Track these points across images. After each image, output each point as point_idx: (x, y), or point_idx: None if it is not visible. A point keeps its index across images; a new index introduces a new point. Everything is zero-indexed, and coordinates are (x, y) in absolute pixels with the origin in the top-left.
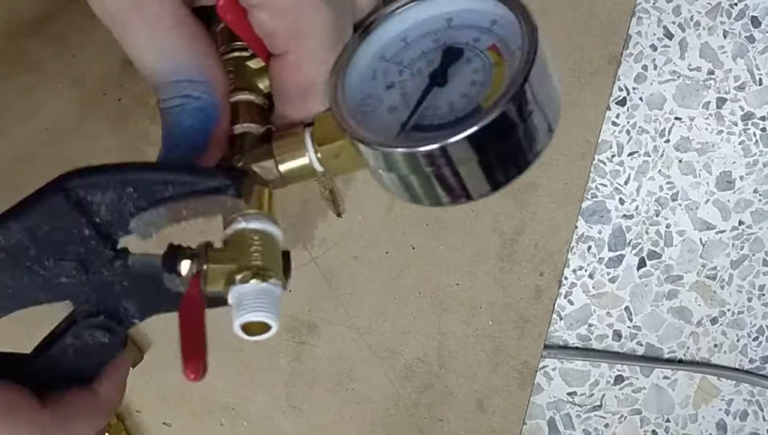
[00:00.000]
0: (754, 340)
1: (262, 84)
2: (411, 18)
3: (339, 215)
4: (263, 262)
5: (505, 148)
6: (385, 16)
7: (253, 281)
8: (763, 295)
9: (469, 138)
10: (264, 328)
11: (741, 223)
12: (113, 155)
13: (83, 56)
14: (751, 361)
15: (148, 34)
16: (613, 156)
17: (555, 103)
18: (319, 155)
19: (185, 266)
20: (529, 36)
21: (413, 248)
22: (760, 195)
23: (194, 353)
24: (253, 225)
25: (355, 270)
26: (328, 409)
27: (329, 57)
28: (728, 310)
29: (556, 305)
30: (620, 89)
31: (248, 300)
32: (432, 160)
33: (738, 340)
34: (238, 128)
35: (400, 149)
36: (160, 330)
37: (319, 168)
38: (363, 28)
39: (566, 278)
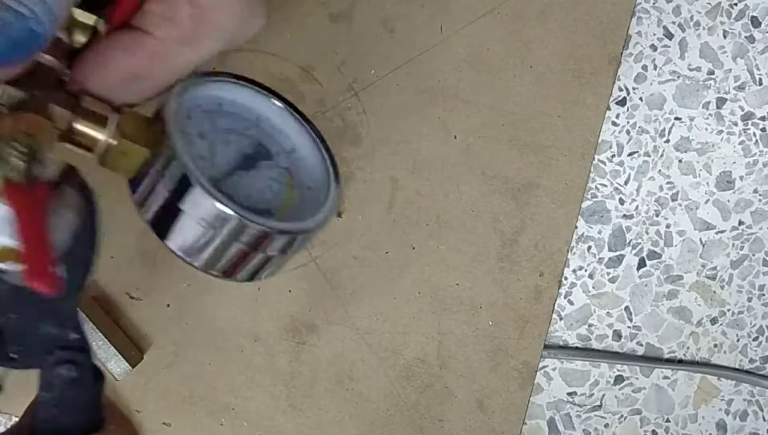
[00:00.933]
0: (754, 340)
1: (80, 36)
2: (229, 92)
3: (339, 215)
4: None
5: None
6: (210, 78)
7: None
8: (763, 295)
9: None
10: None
11: (741, 223)
12: None
13: None
14: (751, 361)
15: None
16: (613, 156)
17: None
18: (113, 142)
19: None
20: (332, 194)
21: (413, 248)
22: (760, 195)
23: (39, 261)
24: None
25: (355, 270)
26: (328, 409)
27: (188, 56)
28: (728, 310)
29: (556, 305)
30: (620, 89)
31: None
32: (236, 230)
33: (738, 340)
34: (47, 59)
35: (211, 200)
36: (160, 330)
37: (100, 150)
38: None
39: (566, 278)
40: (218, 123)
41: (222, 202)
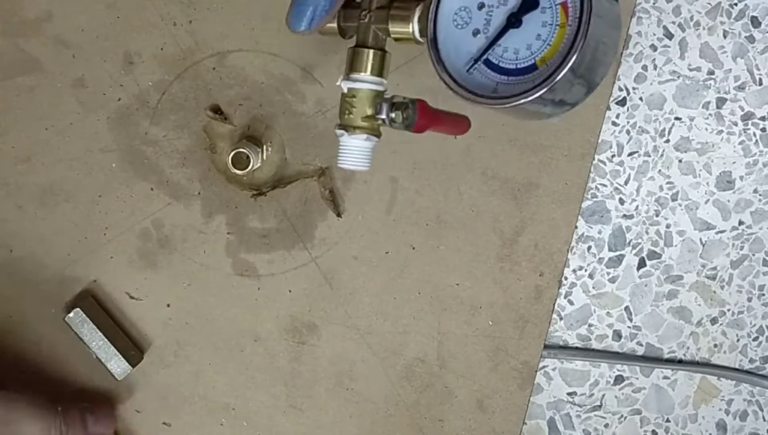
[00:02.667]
0: (754, 340)
1: None
2: None
3: (339, 215)
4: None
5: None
6: None
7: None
8: (763, 295)
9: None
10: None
11: (741, 223)
12: (113, 155)
13: (83, 56)
14: (751, 361)
15: None
16: (613, 156)
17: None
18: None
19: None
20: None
21: (413, 248)
22: (760, 195)
23: (460, 123)
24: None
25: (355, 270)
26: (328, 409)
27: None
28: (728, 310)
29: (556, 305)
30: (620, 89)
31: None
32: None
33: (738, 340)
34: None
35: (492, 105)
36: (160, 330)
37: (419, 39)
38: None
39: (566, 278)
40: None
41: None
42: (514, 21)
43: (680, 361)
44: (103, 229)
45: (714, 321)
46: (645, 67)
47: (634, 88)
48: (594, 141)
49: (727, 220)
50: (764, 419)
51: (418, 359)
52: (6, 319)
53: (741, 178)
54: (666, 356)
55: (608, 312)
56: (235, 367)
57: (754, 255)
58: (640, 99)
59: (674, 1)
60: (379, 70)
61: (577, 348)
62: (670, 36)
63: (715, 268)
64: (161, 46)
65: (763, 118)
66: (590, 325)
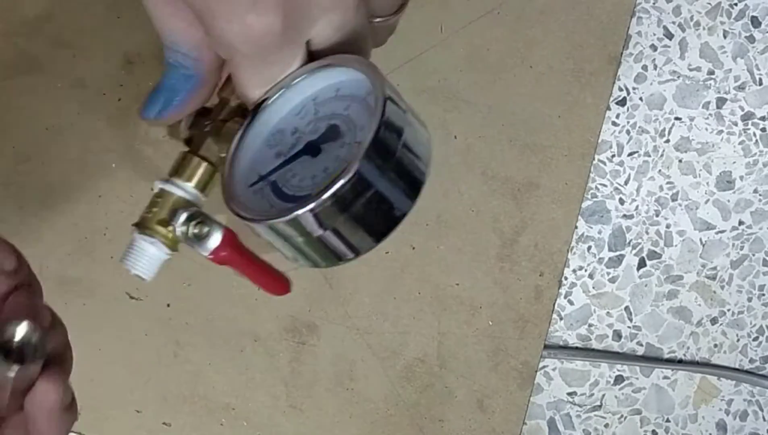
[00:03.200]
0: (754, 340)
1: None
2: (346, 74)
3: None
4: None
5: (360, 215)
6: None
7: (135, 233)
8: (763, 295)
9: (295, 218)
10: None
11: (741, 223)
12: (113, 155)
13: (83, 56)
14: (751, 361)
15: (162, 15)
16: (613, 156)
17: (410, 167)
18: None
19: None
20: (374, 123)
21: (413, 248)
22: (760, 195)
23: (273, 279)
24: (167, 187)
25: (355, 270)
26: (328, 409)
27: (259, 72)
28: (728, 310)
29: (556, 305)
30: (620, 89)
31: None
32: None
33: (738, 340)
34: (223, 95)
35: (247, 223)
36: (160, 330)
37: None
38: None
39: (566, 278)
40: (322, 110)
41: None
42: (310, 148)
43: (680, 361)
44: (103, 229)
45: (714, 321)
46: (645, 67)
47: (634, 88)
48: (594, 141)
49: (727, 220)
50: (764, 419)
51: (418, 359)
52: None
53: (741, 178)
54: (666, 356)
55: (608, 312)
56: (235, 367)
57: (754, 255)
58: (640, 99)
59: (674, 1)
60: (202, 184)
61: (577, 348)
62: (670, 36)
63: (715, 268)
64: (161, 46)
65: (763, 118)
66: (590, 325)
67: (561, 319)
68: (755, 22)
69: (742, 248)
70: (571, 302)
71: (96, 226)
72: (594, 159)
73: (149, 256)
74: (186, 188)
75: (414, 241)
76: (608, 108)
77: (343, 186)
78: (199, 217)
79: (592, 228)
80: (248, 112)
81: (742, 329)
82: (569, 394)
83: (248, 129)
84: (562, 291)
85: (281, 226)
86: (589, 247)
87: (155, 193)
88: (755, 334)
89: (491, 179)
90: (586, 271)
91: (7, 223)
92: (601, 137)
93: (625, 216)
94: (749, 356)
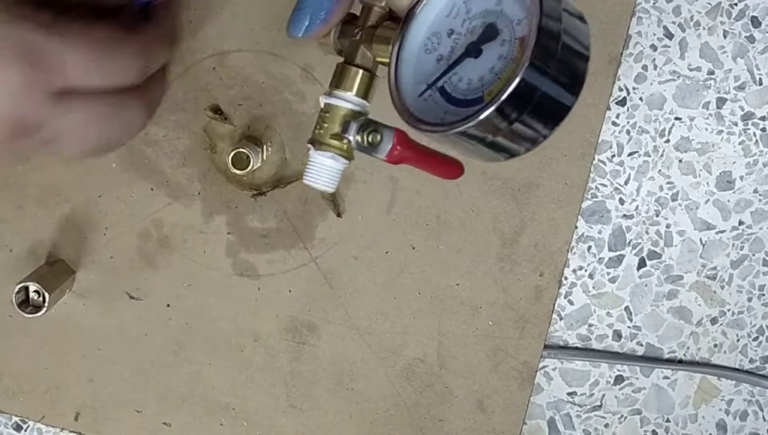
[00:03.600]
0: (754, 340)
1: None
2: None
3: (339, 215)
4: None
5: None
6: None
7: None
8: (763, 295)
9: (468, 129)
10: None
11: (741, 223)
12: (113, 155)
13: None
14: (751, 361)
15: None
16: (613, 156)
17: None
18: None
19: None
20: (535, 24)
21: (413, 248)
22: (760, 195)
23: (447, 165)
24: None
25: (355, 270)
26: (328, 409)
27: None
28: (728, 310)
29: (556, 305)
30: (620, 89)
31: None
32: (468, 133)
33: (738, 340)
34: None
35: (451, 130)
36: (160, 330)
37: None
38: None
39: (566, 278)
40: (474, 7)
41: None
42: (472, 50)
43: (680, 361)
44: (103, 229)
45: (714, 321)
46: (645, 67)
47: (634, 88)
48: (594, 141)
49: (727, 220)
50: (764, 419)
51: (418, 359)
52: (6, 320)
53: (741, 178)
54: (666, 356)
55: (608, 312)
56: (235, 367)
57: (754, 255)
58: (640, 99)
59: (674, 1)
60: (363, 92)
61: (577, 348)
62: (670, 36)
63: (715, 268)
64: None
65: (763, 118)
66: (590, 325)
67: (561, 319)
68: (755, 22)
69: (742, 248)
70: (571, 302)
71: (96, 226)
72: (594, 159)
73: (329, 168)
74: (350, 99)
75: (414, 241)
76: (608, 108)
77: (520, 82)
78: (369, 124)
79: (592, 228)
80: (398, 19)
81: (742, 329)
82: (569, 394)
83: (404, 39)
84: (562, 291)
85: (470, 131)
86: (589, 247)
87: (321, 109)
88: (755, 334)
89: (491, 179)
90: (586, 271)
91: (7, 223)
92: (601, 137)
93: (625, 216)
94: (749, 356)
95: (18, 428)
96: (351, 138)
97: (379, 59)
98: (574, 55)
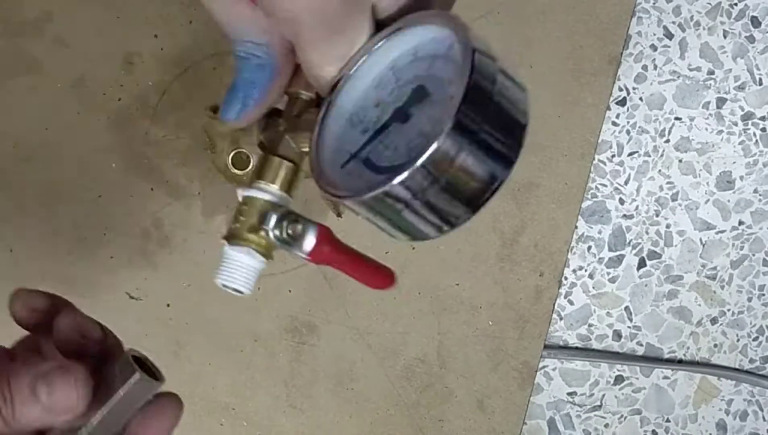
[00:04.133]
0: (754, 340)
1: None
2: (426, 32)
3: (339, 215)
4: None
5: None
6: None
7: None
8: (763, 295)
9: (393, 187)
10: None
11: (741, 223)
12: (113, 155)
13: (83, 56)
14: (751, 361)
15: (223, 5)
16: (613, 156)
17: (509, 120)
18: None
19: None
20: (466, 75)
21: (413, 248)
22: (760, 195)
23: (376, 272)
24: (250, 193)
25: None
26: (328, 409)
27: (328, 46)
28: (728, 310)
29: (556, 305)
30: (620, 89)
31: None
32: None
33: (738, 340)
34: (292, 90)
35: (366, 195)
36: (160, 330)
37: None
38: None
39: (566, 278)
40: (402, 77)
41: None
42: (399, 115)
43: (680, 361)
44: (103, 229)
45: (714, 321)
46: (645, 67)
47: (634, 88)
48: (594, 141)
49: (727, 220)
50: (764, 419)
51: (418, 359)
52: (6, 320)
53: (741, 178)
54: (666, 356)
55: (608, 312)
56: (235, 367)
57: (754, 255)
58: (640, 99)
59: (674, 1)
60: (287, 185)
61: (577, 348)
62: (670, 36)
63: (715, 268)
64: (161, 46)
65: (763, 118)
66: (590, 325)
67: (561, 319)
68: (755, 22)
69: (742, 248)
70: (571, 302)
71: (96, 226)
72: (594, 159)
73: (246, 267)
74: (271, 191)
75: (414, 241)
76: (608, 108)
77: (440, 144)
78: (290, 215)
79: (592, 228)
80: (324, 97)
81: (742, 329)
82: (569, 394)
83: (328, 112)
84: (562, 291)
85: (373, 200)
86: (589, 247)
87: (240, 203)
88: (755, 334)
89: None
90: (586, 271)
91: (7, 223)
92: (601, 137)
93: (625, 216)
94: (749, 356)
95: None
96: (269, 229)
97: (303, 148)
98: (509, 121)
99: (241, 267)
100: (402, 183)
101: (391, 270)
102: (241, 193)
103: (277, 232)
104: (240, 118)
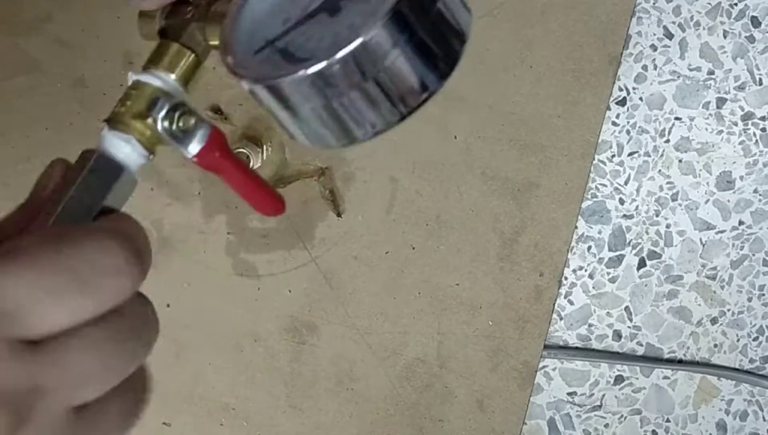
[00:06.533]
0: (754, 340)
1: None
2: None
3: (339, 215)
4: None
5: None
6: None
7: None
8: (763, 295)
9: (350, 54)
10: None
11: (741, 223)
12: None
13: (83, 56)
14: (751, 361)
15: None
16: (613, 156)
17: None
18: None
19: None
20: None
21: (413, 248)
22: (760, 195)
23: (266, 194)
24: (144, 78)
25: (355, 270)
26: (328, 409)
27: None
28: (728, 310)
29: (556, 305)
30: (620, 89)
31: None
32: (317, 83)
33: (738, 340)
34: None
35: (248, 81)
36: (160, 330)
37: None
38: None
39: (566, 278)
40: None
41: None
42: (328, 6)
43: (680, 361)
44: None
45: (714, 321)
46: (645, 67)
47: (634, 88)
48: (594, 141)
49: (727, 220)
50: (764, 419)
51: (418, 359)
52: None
53: (741, 178)
54: (666, 356)
55: (608, 312)
56: (235, 367)
57: (754, 255)
58: (640, 99)
59: (674, 1)
60: (184, 77)
61: (577, 348)
62: (670, 36)
63: (715, 268)
64: None
65: (763, 118)
66: (590, 325)
67: (561, 319)
68: (755, 22)
69: (742, 248)
70: (571, 302)
71: None
72: (594, 159)
73: (123, 155)
74: (166, 79)
75: (414, 241)
76: (608, 108)
77: (374, 35)
78: (183, 107)
79: (592, 228)
80: None
81: (742, 329)
82: (569, 394)
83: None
84: (562, 291)
85: (287, 85)
86: (589, 247)
87: (128, 87)
88: (755, 334)
89: (491, 179)
90: (586, 271)
91: None
92: (601, 137)
93: (625, 216)
94: (749, 356)
95: None
96: (159, 118)
97: (212, 41)
98: (450, 30)
99: (119, 154)
100: (323, 71)
101: (282, 198)
102: (133, 76)
103: (166, 124)
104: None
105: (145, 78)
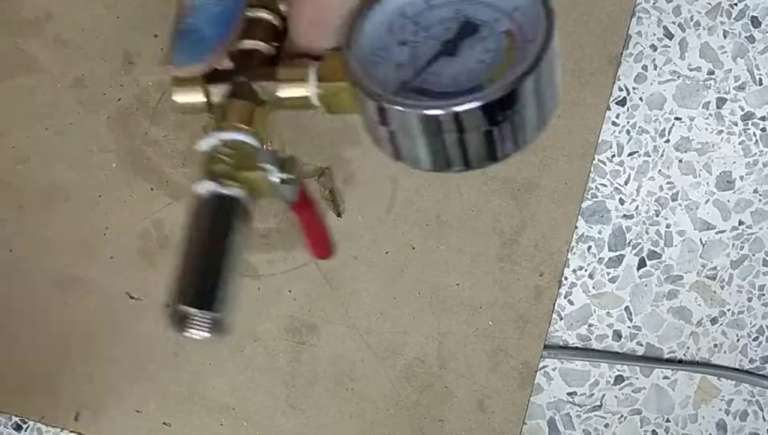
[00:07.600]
0: (754, 340)
1: (282, 5)
2: None
3: (339, 215)
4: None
5: (505, 124)
6: None
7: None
8: (763, 295)
9: (477, 108)
10: None
11: (741, 223)
12: (113, 155)
13: (83, 56)
14: (751, 361)
15: None
16: (613, 156)
17: (553, 99)
18: (319, 91)
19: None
20: (546, 28)
21: (413, 248)
22: (760, 195)
23: (325, 240)
24: (225, 136)
25: (355, 270)
26: (328, 409)
27: None
28: (728, 310)
29: (556, 305)
30: (620, 89)
31: None
32: (430, 124)
33: (738, 340)
34: (249, 44)
35: (397, 106)
36: (160, 330)
37: (315, 102)
38: None
39: (566, 278)
40: (423, 19)
41: (408, 106)
42: (450, 50)
43: (680, 361)
44: (103, 229)
45: (714, 321)
46: (645, 67)
47: (634, 88)
48: (594, 141)
49: (727, 220)
50: (764, 419)
51: (418, 359)
52: (5, 320)
53: (741, 178)
54: (666, 356)
55: (608, 312)
56: (235, 367)
57: (754, 255)
58: (640, 99)
59: (674, 1)
60: (265, 132)
61: (577, 348)
62: (670, 36)
63: (715, 268)
64: (161, 46)
65: (763, 118)
66: (590, 325)
67: (561, 319)
68: (755, 22)
69: (742, 248)
70: (571, 302)
71: (96, 226)
72: (594, 159)
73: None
74: (252, 132)
75: (414, 241)
76: (608, 108)
77: (517, 87)
78: (282, 159)
79: (592, 228)
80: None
81: (742, 329)
82: (569, 394)
83: (368, 13)
84: (562, 291)
85: (423, 117)
86: (589, 247)
87: (212, 147)
88: (755, 334)
89: (491, 179)
90: (586, 271)
91: (7, 223)
92: (601, 137)
93: (625, 216)
94: (749, 356)
95: (18, 428)
96: (272, 170)
97: (280, 95)
98: (553, 90)
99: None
100: (464, 113)
101: (333, 247)
102: (221, 136)
103: (279, 175)
104: (198, 63)
105: (236, 137)
